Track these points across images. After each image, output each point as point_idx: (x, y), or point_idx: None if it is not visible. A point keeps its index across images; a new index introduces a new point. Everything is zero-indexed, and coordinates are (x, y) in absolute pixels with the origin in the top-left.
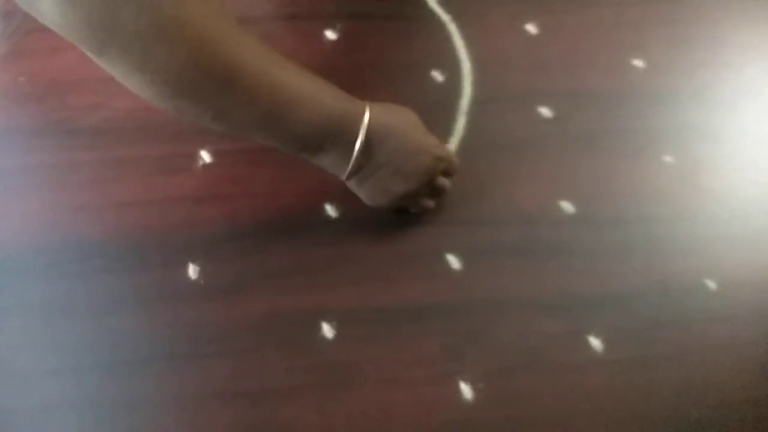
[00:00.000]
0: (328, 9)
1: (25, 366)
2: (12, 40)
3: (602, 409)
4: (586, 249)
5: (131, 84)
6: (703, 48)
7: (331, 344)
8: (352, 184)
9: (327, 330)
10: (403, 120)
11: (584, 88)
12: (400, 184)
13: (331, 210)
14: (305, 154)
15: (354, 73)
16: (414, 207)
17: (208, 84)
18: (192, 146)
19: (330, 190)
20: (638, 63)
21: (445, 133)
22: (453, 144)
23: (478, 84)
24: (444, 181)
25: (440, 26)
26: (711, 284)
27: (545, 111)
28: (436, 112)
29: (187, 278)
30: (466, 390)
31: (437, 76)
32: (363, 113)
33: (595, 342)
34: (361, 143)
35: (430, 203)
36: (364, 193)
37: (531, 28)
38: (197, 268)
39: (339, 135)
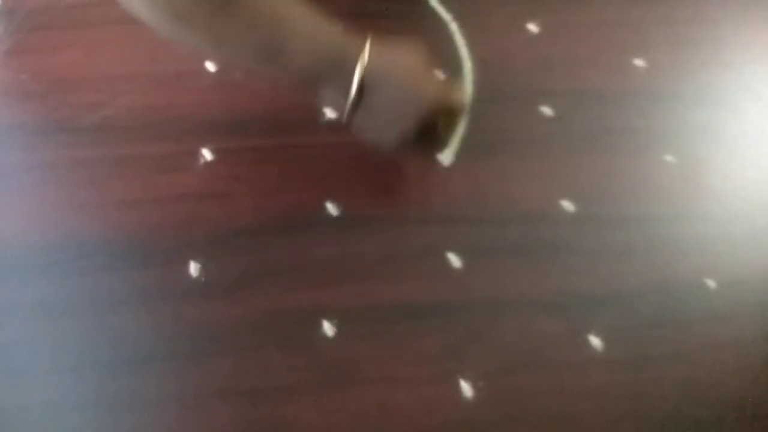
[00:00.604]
0: (328, 8)
1: (26, 364)
2: (14, 37)
3: (603, 408)
4: (587, 248)
5: (133, 7)
6: (704, 48)
7: (332, 343)
8: (352, 125)
9: (328, 328)
10: (404, 61)
11: (585, 87)
12: (397, 126)
13: (332, 208)
14: (304, 89)
15: None
16: (413, 151)
17: (202, 12)
18: (194, 144)
19: (331, 188)
20: (640, 63)
21: None
22: (454, 143)
23: (479, 83)
24: (447, 126)
25: (442, 25)
26: (711, 283)
27: (547, 110)
28: None
29: (189, 276)
30: (466, 388)
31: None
32: (361, 52)
33: (596, 341)
34: (357, 82)
35: (435, 147)
36: (363, 133)
37: (532, 28)
38: (198, 266)
39: (335, 74)
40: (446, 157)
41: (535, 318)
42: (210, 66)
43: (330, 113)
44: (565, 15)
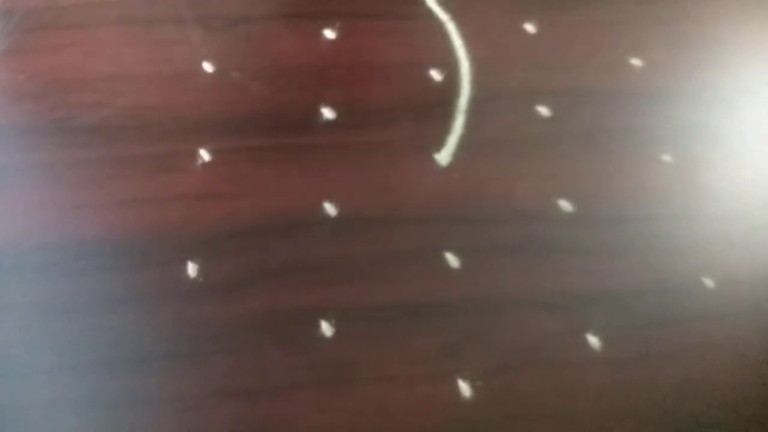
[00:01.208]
0: (326, 8)
1: (24, 364)
2: (12, 37)
3: (601, 407)
4: (585, 247)
5: None
6: (701, 47)
7: (330, 342)
8: None
9: (326, 328)
10: None
11: (582, 86)
12: None
13: (330, 208)
14: None
15: (352, 71)
16: None
17: None
18: (191, 144)
19: (329, 188)
20: (636, 62)
21: (443, 132)
22: (451, 142)
23: (476, 83)
24: None
25: (438, 25)
26: (709, 282)
27: (543, 110)
28: (434, 111)
29: (187, 276)
30: (464, 388)
31: (435, 75)
32: None
33: (594, 340)
34: None
35: None
36: None
37: (529, 27)
38: (197, 267)
39: None
40: (443, 157)
41: (533, 317)
42: (208, 66)
43: (328, 113)
44: (562, 14)
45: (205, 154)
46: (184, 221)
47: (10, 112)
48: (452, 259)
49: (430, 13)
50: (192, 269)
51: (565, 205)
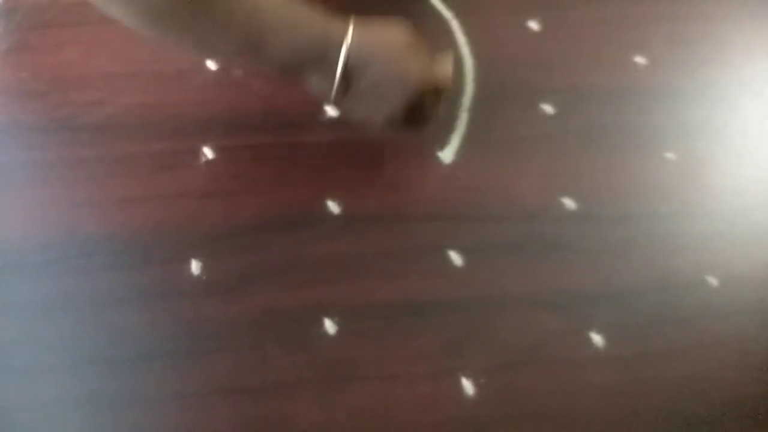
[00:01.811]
0: (329, 7)
1: (26, 362)
2: (14, 36)
3: (603, 405)
4: (588, 245)
5: (111, 12)
6: (704, 45)
7: (333, 340)
8: (339, 108)
9: (329, 326)
10: (389, 41)
11: (586, 84)
12: (385, 109)
13: (332, 206)
14: (289, 78)
15: None
16: (401, 130)
17: (184, 10)
18: (194, 142)
19: (332, 187)
20: (640, 60)
21: (447, 130)
22: (455, 141)
23: (480, 81)
24: (433, 104)
25: (443, 23)
26: (712, 280)
27: (547, 108)
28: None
29: (189, 274)
30: (467, 386)
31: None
32: (344, 36)
33: (597, 338)
34: (341, 69)
35: (423, 125)
36: (351, 116)
37: (533, 25)
38: (199, 264)
39: (319, 60)
40: (447, 155)
41: (536, 315)
42: (211, 64)
43: (331, 111)
44: (566, 12)
45: (208, 152)
46: (186, 219)
47: (13, 110)
48: (456, 257)
49: (433, 11)
50: (195, 267)
51: (568, 203)
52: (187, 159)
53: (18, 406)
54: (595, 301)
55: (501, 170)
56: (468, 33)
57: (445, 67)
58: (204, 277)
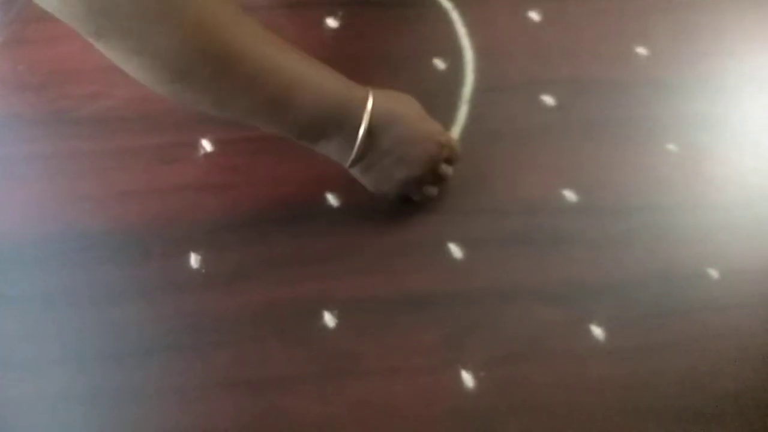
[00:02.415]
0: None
1: (27, 356)
2: (11, 28)
3: (603, 398)
4: (588, 238)
5: (130, 68)
6: (706, 36)
7: (333, 333)
8: (356, 172)
9: (329, 319)
10: (405, 106)
11: (587, 76)
12: (404, 171)
13: (332, 199)
14: (307, 141)
15: (355, 60)
16: (417, 195)
17: (206, 68)
18: (193, 135)
19: (331, 179)
20: (641, 51)
21: (447, 122)
22: (455, 132)
23: (480, 72)
24: (447, 169)
25: (442, 14)
26: (713, 273)
27: (548, 99)
28: (438, 100)
29: (189, 268)
30: (467, 378)
31: (439, 64)
32: (366, 99)
33: (597, 331)
34: (364, 130)
35: (433, 191)
36: (368, 180)
37: (534, 16)
38: (198, 258)
39: (342, 122)
40: None
41: (536, 308)
42: None
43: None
44: (567, 3)
45: (206, 145)
46: (185, 212)
47: (10, 103)
48: (455, 250)
49: (433, 2)
50: (194, 260)
51: (569, 195)
52: (185, 152)
53: (20, 399)
54: (596, 294)
55: (501, 162)
56: (468, 24)
57: (452, 134)
58: (203, 271)
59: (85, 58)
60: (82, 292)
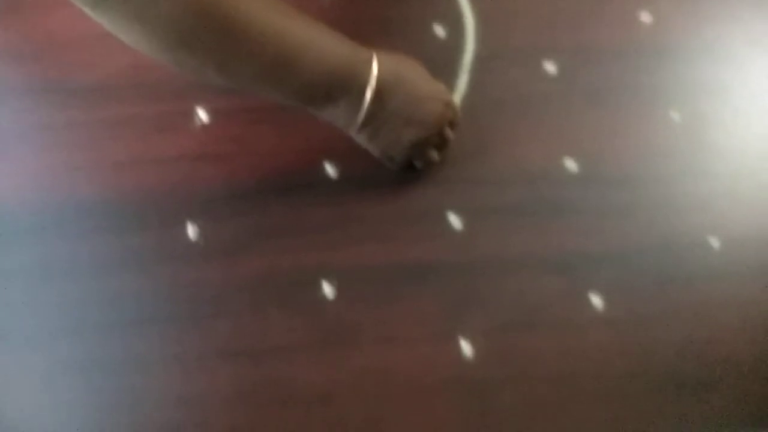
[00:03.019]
0: None
1: (27, 327)
2: None
3: (603, 367)
4: (590, 207)
5: (130, 37)
6: (711, 2)
7: (332, 303)
8: (363, 138)
9: (327, 289)
10: (410, 68)
11: (590, 42)
12: (413, 131)
13: (330, 169)
14: (313, 108)
15: (354, 28)
16: (421, 159)
17: (209, 33)
18: (189, 104)
19: (330, 149)
20: (646, 17)
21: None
22: (456, 100)
23: (481, 39)
24: (450, 132)
25: None
26: (714, 241)
27: (550, 67)
28: (438, 68)
29: (186, 238)
30: (466, 348)
31: (439, 31)
32: (371, 61)
33: (597, 300)
34: (372, 92)
35: (436, 156)
36: (376, 145)
37: None
38: (196, 228)
39: (349, 84)
40: None
41: (536, 277)
42: None
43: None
44: None
45: (202, 114)
46: (182, 182)
47: (5, 73)
48: (455, 220)
49: None
50: (191, 231)
51: (570, 164)
52: (182, 121)
53: (20, 370)
54: (596, 263)
55: (502, 131)
56: None
57: (456, 96)
58: (201, 241)
59: (81, 27)
60: (80, 263)
